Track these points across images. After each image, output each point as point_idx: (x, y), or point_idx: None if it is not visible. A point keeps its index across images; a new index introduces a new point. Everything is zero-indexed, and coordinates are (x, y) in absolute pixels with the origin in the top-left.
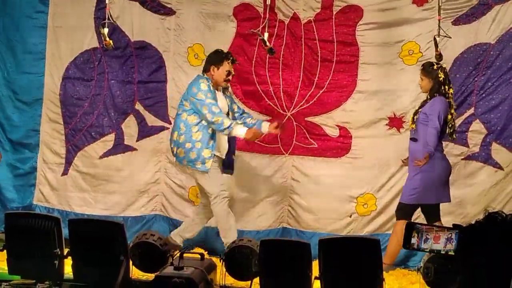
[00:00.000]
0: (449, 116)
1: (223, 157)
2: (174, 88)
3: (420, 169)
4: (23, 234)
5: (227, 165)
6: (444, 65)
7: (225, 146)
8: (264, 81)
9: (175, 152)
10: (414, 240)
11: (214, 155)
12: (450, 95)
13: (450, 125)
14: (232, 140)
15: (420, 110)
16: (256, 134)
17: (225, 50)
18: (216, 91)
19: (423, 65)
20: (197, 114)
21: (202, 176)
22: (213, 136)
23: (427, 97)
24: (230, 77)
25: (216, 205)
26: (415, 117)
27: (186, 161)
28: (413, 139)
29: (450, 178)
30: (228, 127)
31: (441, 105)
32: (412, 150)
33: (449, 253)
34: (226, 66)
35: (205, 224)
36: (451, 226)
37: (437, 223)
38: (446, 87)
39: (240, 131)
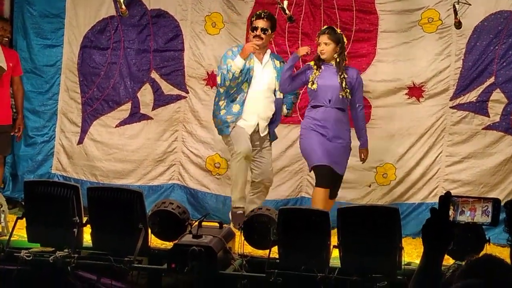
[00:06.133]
0: None
1: (253, 123)
2: (192, 56)
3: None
4: (42, 203)
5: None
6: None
7: (259, 113)
8: (284, 50)
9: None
10: (450, 213)
11: (236, 120)
12: None
13: None
14: (277, 111)
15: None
16: (248, 46)
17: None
18: (257, 60)
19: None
20: None
21: (226, 139)
22: (236, 102)
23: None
24: (257, 32)
25: (231, 161)
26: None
27: (218, 130)
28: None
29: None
30: (225, 74)
31: None
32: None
33: (485, 224)
34: (253, 25)
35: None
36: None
37: None
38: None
39: (236, 60)
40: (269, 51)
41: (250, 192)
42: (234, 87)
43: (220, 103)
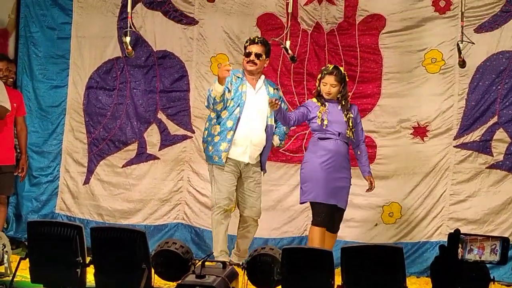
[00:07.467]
0: None
1: (245, 150)
2: (197, 97)
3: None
4: (45, 243)
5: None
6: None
7: (252, 139)
8: (289, 91)
9: (203, 148)
10: (459, 251)
11: (229, 148)
12: None
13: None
14: (268, 137)
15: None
16: (220, 72)
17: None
18: (250, 86)
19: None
20: None
21: (213, 172)
22: (230, 129)
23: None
24: (250, 57)
25: (212, 215)
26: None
27: (206, 157)
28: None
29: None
30: (208, 96)
31: None
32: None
33: (493, 263)
34: (246, 50)
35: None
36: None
37: None
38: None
39: (215, 85)
40: (263, 76)
41: (239, 227)
42: (226, 111)
43: (214, 129)
